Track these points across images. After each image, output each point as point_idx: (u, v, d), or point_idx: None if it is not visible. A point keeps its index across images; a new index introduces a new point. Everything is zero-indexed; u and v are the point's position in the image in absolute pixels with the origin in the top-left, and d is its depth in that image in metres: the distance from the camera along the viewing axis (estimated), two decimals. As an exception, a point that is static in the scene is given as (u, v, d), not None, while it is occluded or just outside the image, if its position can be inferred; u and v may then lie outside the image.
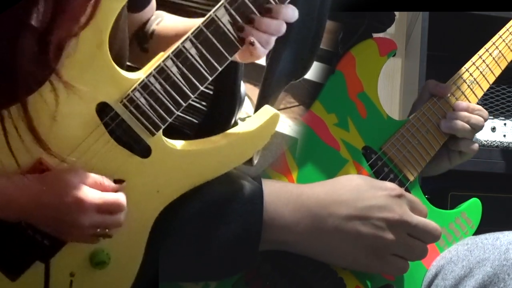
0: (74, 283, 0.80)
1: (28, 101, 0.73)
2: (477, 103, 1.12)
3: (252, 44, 0.80)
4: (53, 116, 0.75)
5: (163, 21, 0.99)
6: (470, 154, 1.11)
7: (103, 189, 0.77)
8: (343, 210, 0.90)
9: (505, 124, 1.75)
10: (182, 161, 0.84)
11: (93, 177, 0.77)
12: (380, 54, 1.05)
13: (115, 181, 0.79)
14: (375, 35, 1.12)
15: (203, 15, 0.81)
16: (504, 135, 1.75)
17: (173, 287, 0.90)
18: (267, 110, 0.89)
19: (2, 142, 0.73)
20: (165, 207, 0.84)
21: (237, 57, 0.84)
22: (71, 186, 0.75)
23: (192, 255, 0.86)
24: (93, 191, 0.76)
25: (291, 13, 0.82)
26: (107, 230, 0.78)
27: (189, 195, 0.85)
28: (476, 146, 1.10)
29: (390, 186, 0.94)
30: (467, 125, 1.07)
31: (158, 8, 1.00)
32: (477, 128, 1.09)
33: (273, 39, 0.83)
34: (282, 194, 0.90)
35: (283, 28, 0.82)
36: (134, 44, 1.00)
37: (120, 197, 0.78)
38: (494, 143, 1.74)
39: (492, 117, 1.74)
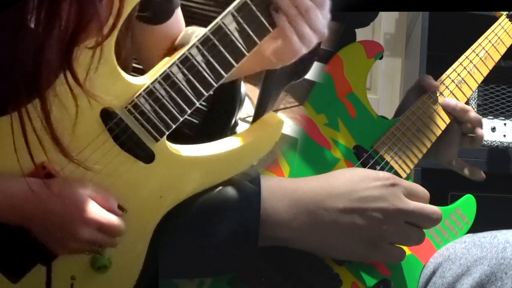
0: (75, 286, 0.80)
1: (47, 100, 0.72)
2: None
3: None
4: (66, 121, 0.74)
5: None
6: (478, 139, 1.10)
7: (108, 208, 0.77)
8: (339, 204, 0.90)
9: (505, 124, 1.75)
10: (185, 167, 0.84)
11: (100, 194, 0.77)
12: (367, 56, 1.06)
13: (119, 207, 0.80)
14: (358, 30, 1.13)
15: (202, 15, 0.81)
16: (504, 135, 1.75)
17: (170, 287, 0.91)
18: (272, 117, 0.88)
19: (18, 142, 0.72)
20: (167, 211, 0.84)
21: (270, 56, 0.84)
22: (78, 197, 0.75)
23: (189, 252, 0.87)
24: (99, 208, 0.76)
25: None
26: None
27: None
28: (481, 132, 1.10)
29: (383, 176, 0.94)
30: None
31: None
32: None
33: (308, 31, 0.82)
34: (277, 190, 0.90)
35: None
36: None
37: (122, 223, 0.78)
38: (494, 143, 1.74)
39: (492, 117, 1.74)
